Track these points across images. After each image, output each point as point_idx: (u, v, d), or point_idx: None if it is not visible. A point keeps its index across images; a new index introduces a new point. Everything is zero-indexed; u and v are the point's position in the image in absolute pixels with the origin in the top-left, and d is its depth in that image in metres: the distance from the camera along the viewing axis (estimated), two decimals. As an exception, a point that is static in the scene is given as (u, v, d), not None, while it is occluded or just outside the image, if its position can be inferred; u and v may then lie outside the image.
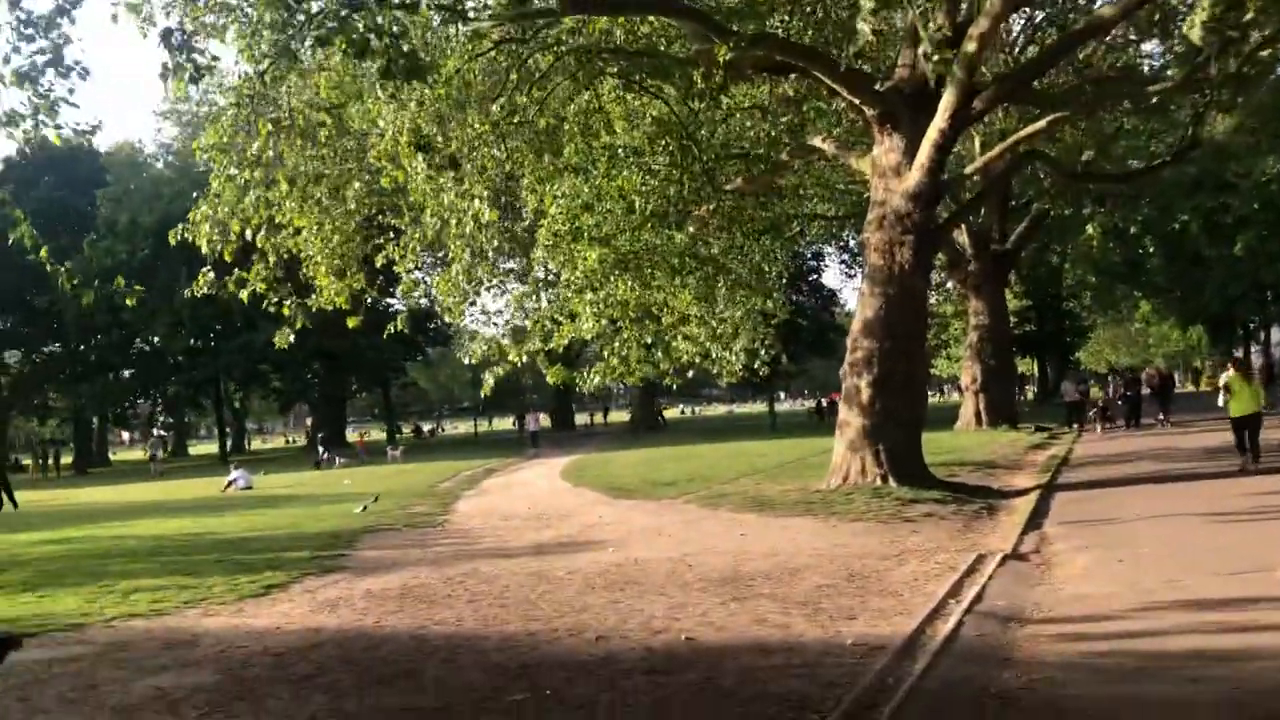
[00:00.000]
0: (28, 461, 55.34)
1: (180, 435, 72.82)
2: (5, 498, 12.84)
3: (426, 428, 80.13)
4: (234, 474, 29.52)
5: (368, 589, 10.36)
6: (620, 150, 19.42)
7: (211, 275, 13.54)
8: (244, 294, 14.14)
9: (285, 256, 16.21)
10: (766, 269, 31.44)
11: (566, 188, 19.50)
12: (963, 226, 32.91)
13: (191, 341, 48.52)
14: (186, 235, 14.30)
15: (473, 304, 17.79)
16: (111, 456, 68.16)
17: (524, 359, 20.55)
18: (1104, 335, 79.29)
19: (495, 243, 16.81)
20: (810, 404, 66.98)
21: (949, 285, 43.49)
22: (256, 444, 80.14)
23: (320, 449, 42.40)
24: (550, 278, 25.64)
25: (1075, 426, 31.09)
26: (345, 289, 18.37)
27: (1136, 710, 5.37)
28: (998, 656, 6.54)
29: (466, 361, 17.46)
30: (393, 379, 53.78)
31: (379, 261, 19.40)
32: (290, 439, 79.04)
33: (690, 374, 37.61)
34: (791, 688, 5.87)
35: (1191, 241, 43.43)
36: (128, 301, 12.08)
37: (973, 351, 33.19)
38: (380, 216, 19.94)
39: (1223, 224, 37.80)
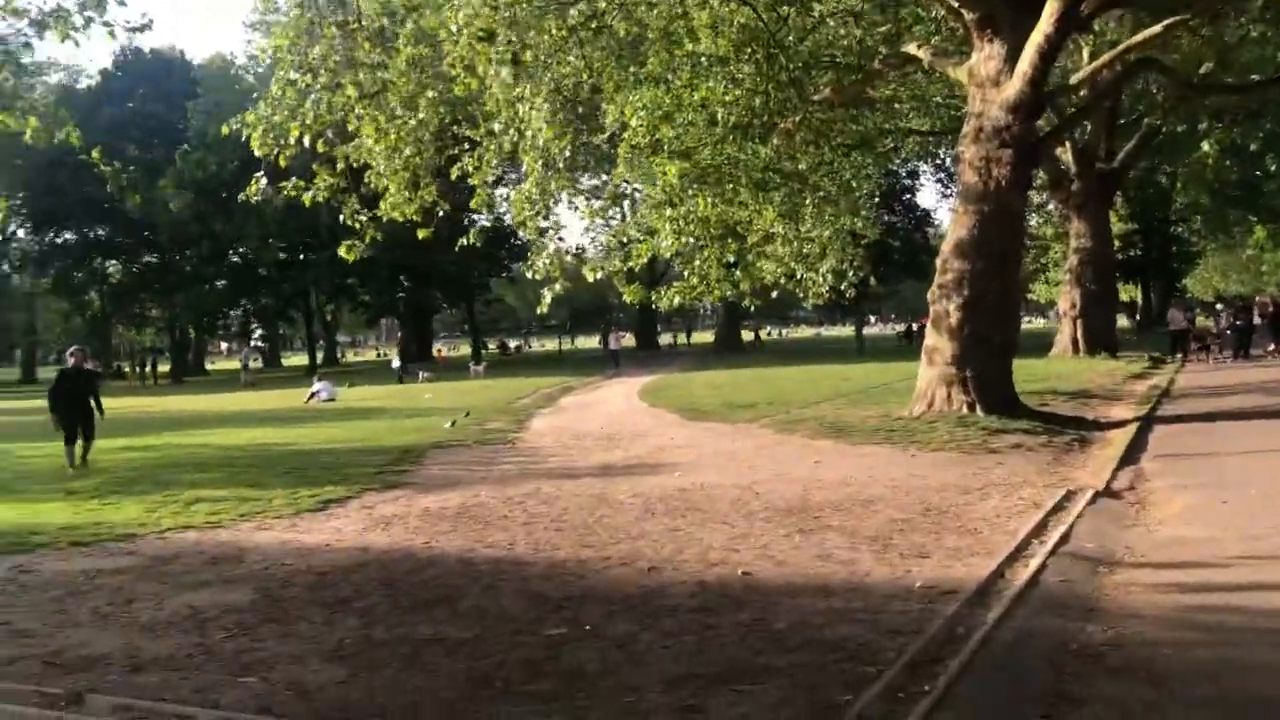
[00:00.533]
0: (127, 369, 57.06)
1: (274, 346, 74.33)
2: (94, 407, 13.50)
3: (514, 344, 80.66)
4: (317, 386, 29.85)
5: (425, 507, 10.13)
6: (704, 59, 18.61)
7: (264, 182, 13.22)
8: (306, 199, 13.79)
9: (355, 165, 15.85)
10: (856, 186, 30.50)
11: (647, 99, 18.85)
12: (1066, 143, 31.21)
13: (281, 254, 49.07)
14: (242, 131, 13.96)
15: (545, 219, 17.22)
16: (209, 366, 70.12)
17: (599, 275, 20.08)
18: (1213, 262, 75.71)
19: (567, 154, 16.21)
20: (900, 328, 65.53)
21: (1050, 206, 41.66)
22: (350, 356, 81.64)
23: (400, 363, 42.77)
24: (631, 193, 25.02)
25: (1179, 356, 29.63)
26: (417, 201, 18.05)
27: (1239, 675, 4.75)
28: (1082, 606, 5.94)
29: (530, 277, 16.93)
30: (477, 295, 53.83)
31: (454, 174, 19.01)
32: (381, 352, 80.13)
33: (775, 294, 36.94)
34: (849, 634, 5.37)
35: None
36: (133, 199, 12.20)
37: (1072, 275, 31.69)
38: (455, 127, 19.49)
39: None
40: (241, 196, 13.30)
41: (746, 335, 78.04)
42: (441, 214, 19.13)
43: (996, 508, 8.94)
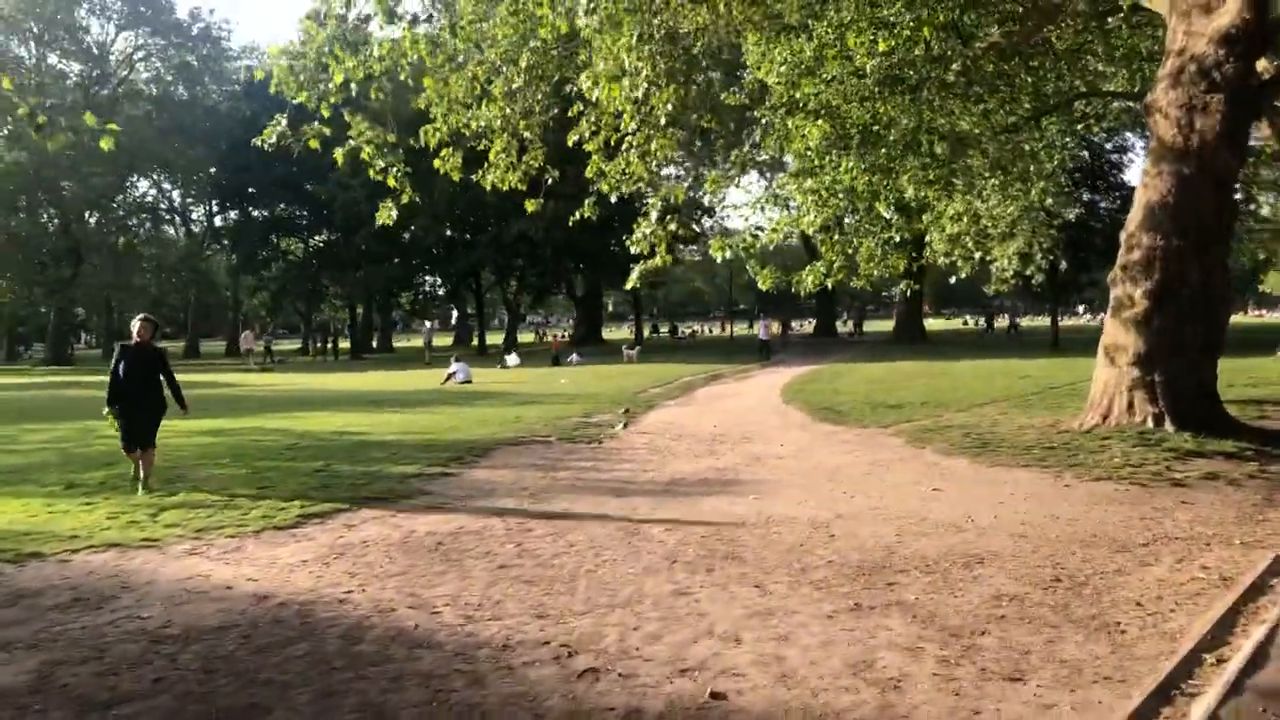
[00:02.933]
0: (295, 345, 58.23)
1: (482, 324, 74.72)
2: (164, 397, 10.24)
3: (689, 329, 78.71)
4: (454, 367, 28.65)
5: (411, 531, 8.11)
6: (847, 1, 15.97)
7: (284, 125, 11.48)
8: (338, 154, 12.00)
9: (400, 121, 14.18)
10: (1046, 157, 26.85)
11: (786, 52, 16.39)
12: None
13: (448, 233, 48.57)
14: (266, 70, 12.39)
15: (651, 186, 15.00)
16: (399, 344, 71.28)
17: (727, 255, 17.68)
18: None
19: (670, 109, 13.89)
20: (1099, 319, 59.75)
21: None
22: (527, 337, 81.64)
23: (506, 349, 41.51)
24: (773, 160, 22.37)
25: None
26: (522, 168, 16.16)
27: None
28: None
29: (634, 251, 14.73)
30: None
31: (570, 139, 16.97)
32: (562, 334, 79.53)
33: (954, 280, 33.43)
34: None
35: None
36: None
37: (1308, 262, 26.95)
38: (568, 87, 17.49)
39: None
40: (256, 141, 11.58)
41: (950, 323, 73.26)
42: (550, 181, 17.23)
43: (1162, 581, 6.15)
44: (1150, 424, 11.90)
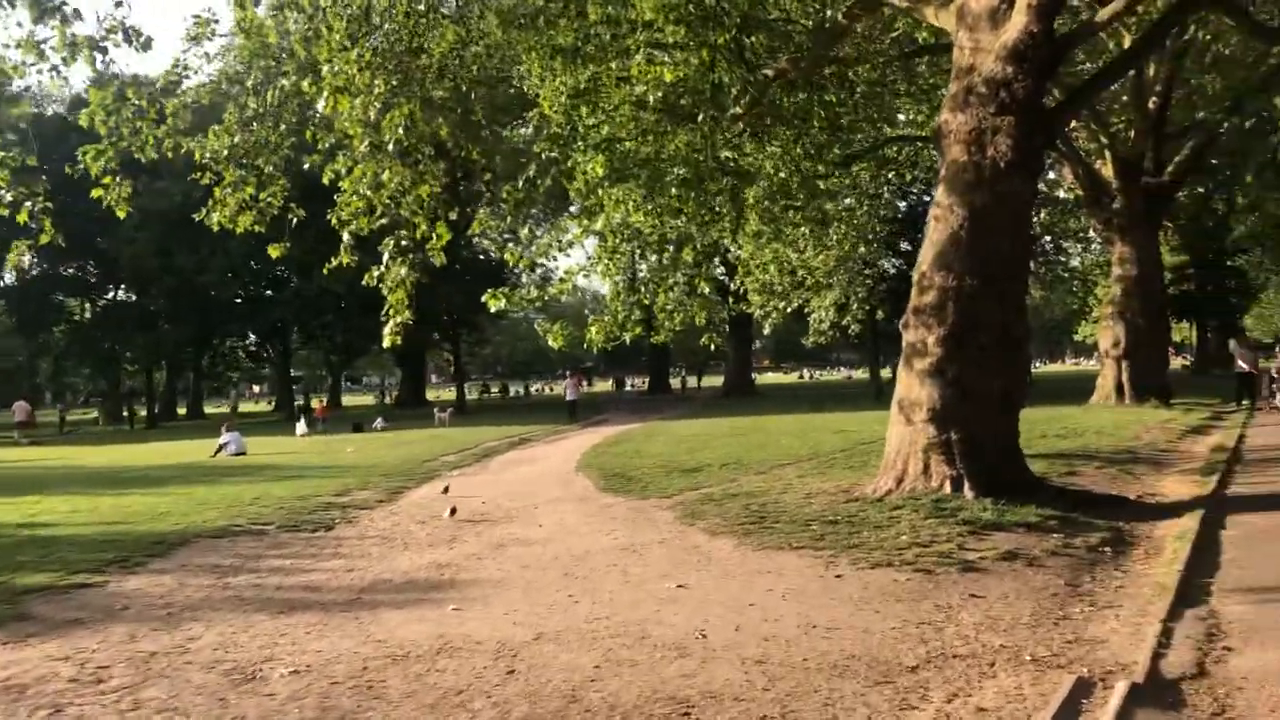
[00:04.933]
0: (91, 414, 53.36)
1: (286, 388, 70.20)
2: None
3: (521, 388, 76.27)
4: (225, 437, 25.66)
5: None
6: (623, 22, 14.36)
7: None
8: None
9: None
10: (855, 204, 26.01)
11: (566, 78, 14.69)
12: (1106, 153, 26.52)
13: (248, 290, 45.04)
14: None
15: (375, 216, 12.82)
16: (211, 410, 66.39)
17: (513, 311, 15.68)
18: (1276, 299, 70.06)
19: (401, 132, 11.93)
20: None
21: (1091, 232, 36.75)
22: (348, 399, 77.54)
23: (300, 413, 38.51)
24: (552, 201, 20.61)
25: (1246, 404, 24.62)
26: (263, 206, 13.93)
27: None
28: None
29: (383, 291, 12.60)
30: (463, 333, 49.30)
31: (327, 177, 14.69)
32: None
33: (769, 329, 32.24)
34: None
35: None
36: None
37: (1115, 309, 26.76)
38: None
39: None
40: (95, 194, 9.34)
41: (786, 378, 72.95)
42: (295, 222, 14.99)
43: (927, 733, 4.35)
44: (947, 489, 10.39)
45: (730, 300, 24.89)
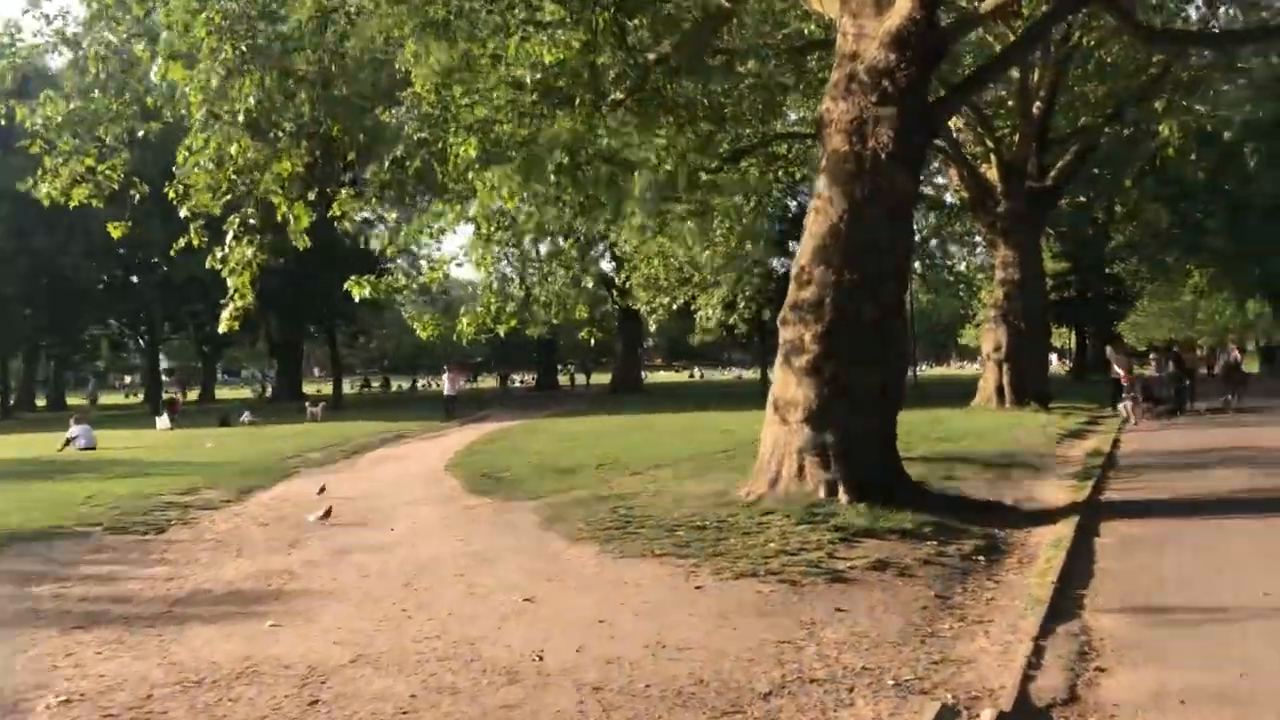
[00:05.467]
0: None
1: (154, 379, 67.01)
2: None
3: (421, 382, 74.36)
4: (74, 430, 24.10)
5: None
6: None
7: None
8: None
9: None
10: (743, 201, 25.69)
11: (440, 55, 13.89)
12: (991, 157, 26.72)
13: (112, 274, 42.58)
14: None
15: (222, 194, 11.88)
16: (75, 400, 62.91)
17: (393, 296, 14.87)
18: (1149, 307, 72.56)
19: (252, 103, 11.01)
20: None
21: (977, 236, 37.21)
22: (225, 393, 74.55)
23: (164, 407, 36.66)
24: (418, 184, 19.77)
25: (1122, 408, 25.03)
26: (102, 179, 12.84)
27: None
28: None
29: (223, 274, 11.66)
30: (339, 324, 47.50)
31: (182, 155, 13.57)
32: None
33: (654, 328, 31.78)
34: None
35: (1266, 198, 36.95)
36: None
37: (998, 312, 26.99)
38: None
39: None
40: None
41: (677, 376, 72.26)
42: (138, 198, 13.97)
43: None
44: (822, 493, 9.97)
45: (614, 294, 24.32)
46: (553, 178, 14.40)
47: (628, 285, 28.27)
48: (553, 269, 17.48)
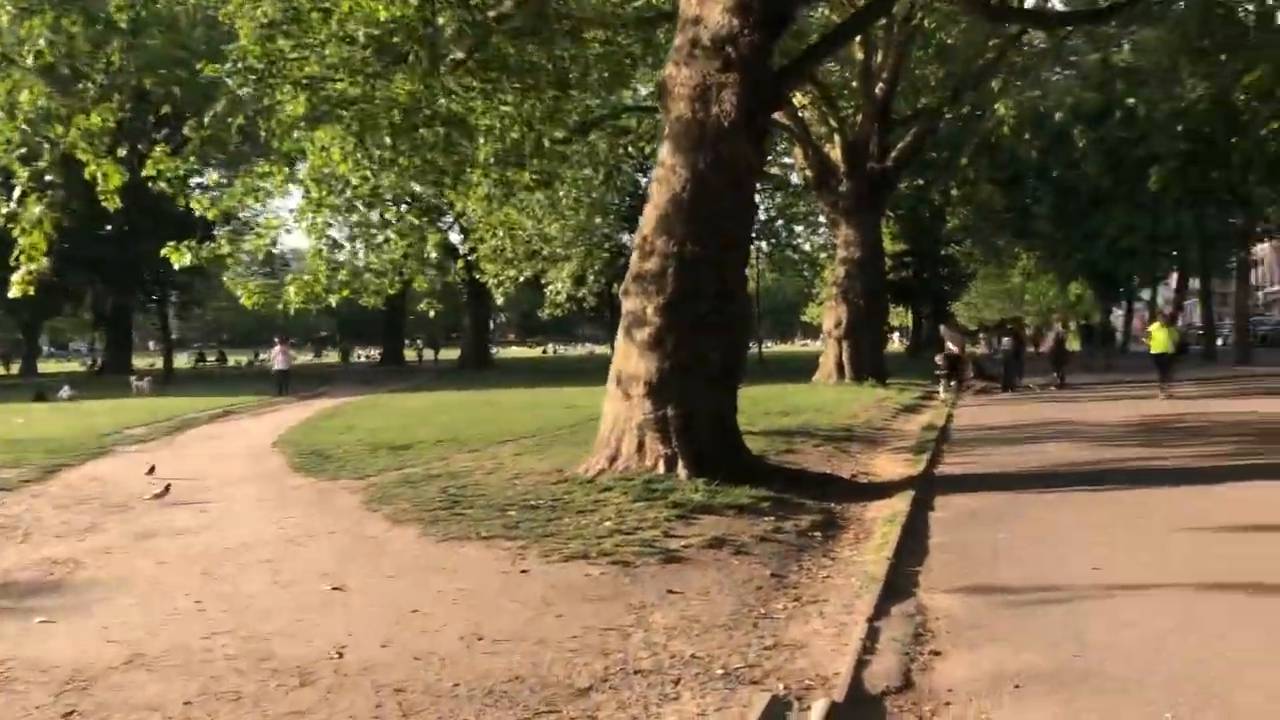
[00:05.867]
0: None
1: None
2: None
3: (262, 356, 71.14)
4: None
5: None
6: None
7: None
8: None
9: None
10: (592, 174, 25.33)
11: (261, 6, 13.01)
12: (835, 137, 27.05)
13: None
14: None
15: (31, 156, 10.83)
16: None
17: (186, 262, 13.83)
18: (982, 288, 75.59)
19: (42, 45, 9.99)
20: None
21: (820, 215, 37.80)
22: (50, 366, 70.09)
23: None
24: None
25: (954, 385, 25.80)
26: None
27: None
28: None
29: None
30: (170, 294, 44.93)
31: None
32: (94, 361, 68.27)
33: (503, 301, 31.18)
34: None
35: (1090, 184, 38.69)
36: None
37: (839, 290, 27.45)
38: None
39: (1129, 160, 32.84)
40: None
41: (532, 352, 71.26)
42: None
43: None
44: (661, 468, 9.70)
45: (456, 265, 23.60)
46: (388, 140, 13.72)
47: (474, 257, 27.52)
48: (388, 237, 16.68)
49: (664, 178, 10.44)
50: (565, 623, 5.43)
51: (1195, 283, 48.04)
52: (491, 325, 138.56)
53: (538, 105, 16.49)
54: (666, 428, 9.90)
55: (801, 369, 32.09)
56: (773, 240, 45.15)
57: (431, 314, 17.74)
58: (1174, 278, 55.92)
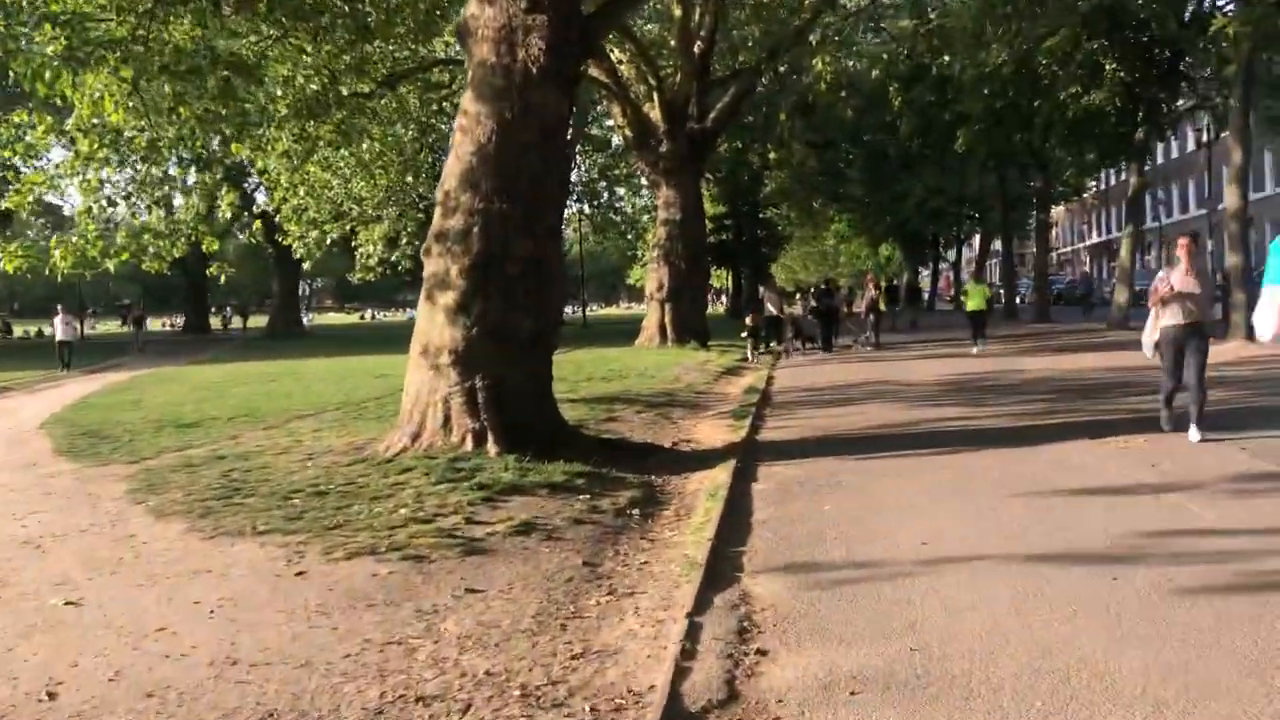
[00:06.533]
0: None
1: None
2: None
3: (33, 329, 66.09)
4: None
5: None
6: None
7: None
8: None
9: None
10: (402, 131, 24.13)
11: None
12: (654, 96, 26.54)
13: None
14: None
15: None
16: None
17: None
18: (798, 251, 77.30)
19: None
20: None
21: (641, 177, 37.36)
22: None
23: None
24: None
25: (775, 346, 25.90)
26: None
27: None
28: None
29: None
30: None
31: None
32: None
33: (308, 261, 29.54)
34: None
35: (900, 147, 39.65)
36: None
37: (661, 252, 27.10)
38: None
39: (938, 123, 33.65)
40: None
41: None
42: None
43: None
44: (469, 444, 8.94)
45: (254, 225, 21.96)
46: (166, 88, 12.34)
47: (277, 218, 25.82)
48: (167, 194, 15.22)
49: (468, 127, 9.58)
50: (340, 637, 4.65)
51: (998, 244, 50.18)
52: (307, 291, 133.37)
53: (338, 54, 15.35)
54: (475, 400, 9.13)
55: (626, 332, 31.73)
56: (594, 202, 44.56)
57: (223, 279, 16.24)
58: (977, 239, 58.38)
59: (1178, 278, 9.15)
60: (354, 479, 8.19)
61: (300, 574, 5.68)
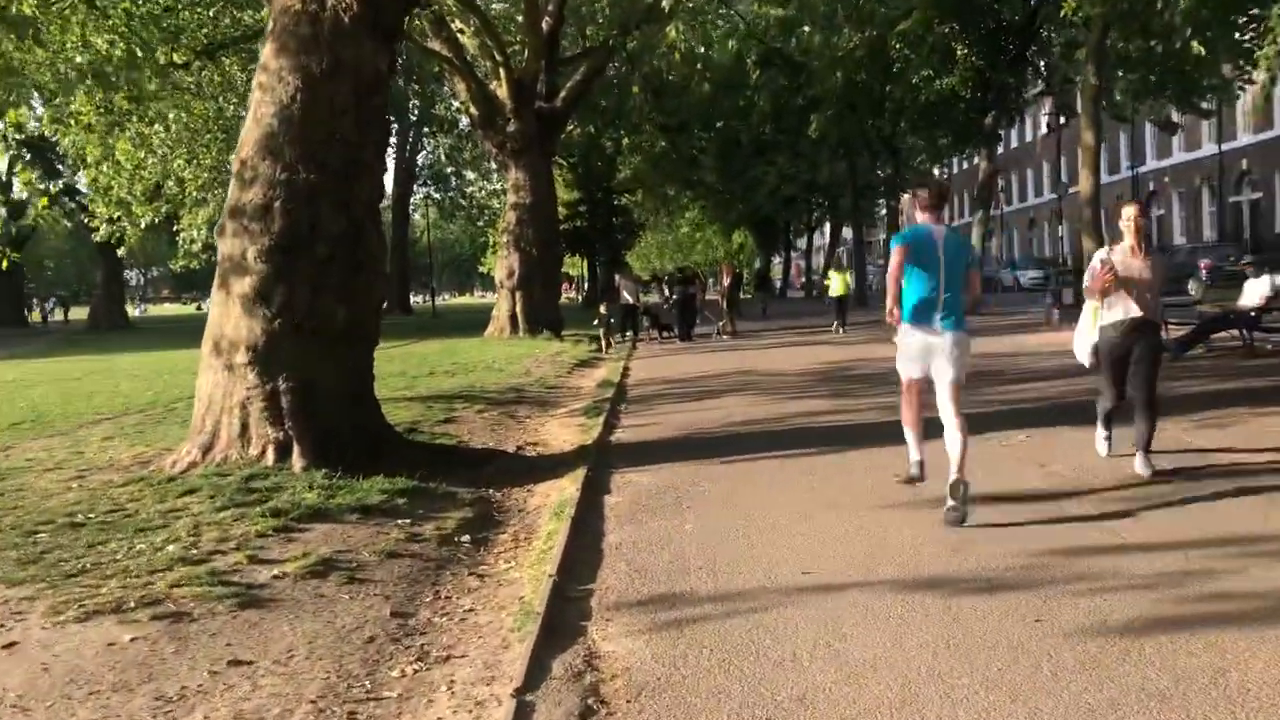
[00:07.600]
0: None
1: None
2: None
3: None
4: None
5: None
6: None
7: None
8: None
9: None
10: (224, 105, 22.25)
11: None
12: (501, 73, 25.19)
13: None
14: None
15: None
16: None
17: None
18: (654, 238, 76.71)
19: None
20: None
21: (491, 160, 35.90)
22: None
23: None
24: None
25: (629, 336, 24.96)
26: None
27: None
28: None
29: None
30: None
31: None
32: None
33: (124, 247, 27.19)
34: None
35: (753, 133, 39.31)
36: None
37: (511, 238, 25.82)
38: None
39: (791, 107, 33.30)
40: None
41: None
42: None
43: None
44: (271, 458, 7.59)
45: (42, 201, 19.78)
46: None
47: (87, 201, 23.60)
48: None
49: (268, 85, 8.19)
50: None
51: (848, 231, 50.58)
52: (142, 280, 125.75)
53: (145, 19, 13.78)
54: (278, 405, 7.78)
55: (476, 322, 30.33)
56: (441, 187, 42.81)
57: (4, 265, 14.11)
58: (828, 226, 58.88)
59: (1120, 258, 6.80)
60: (123, 504, 6.76)
61: (8, 646, 4.31)
